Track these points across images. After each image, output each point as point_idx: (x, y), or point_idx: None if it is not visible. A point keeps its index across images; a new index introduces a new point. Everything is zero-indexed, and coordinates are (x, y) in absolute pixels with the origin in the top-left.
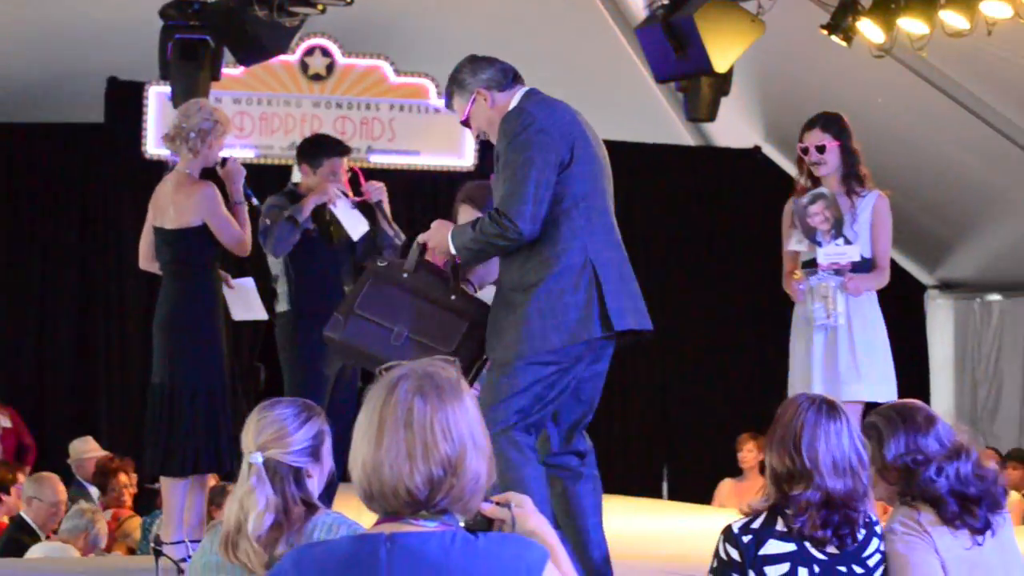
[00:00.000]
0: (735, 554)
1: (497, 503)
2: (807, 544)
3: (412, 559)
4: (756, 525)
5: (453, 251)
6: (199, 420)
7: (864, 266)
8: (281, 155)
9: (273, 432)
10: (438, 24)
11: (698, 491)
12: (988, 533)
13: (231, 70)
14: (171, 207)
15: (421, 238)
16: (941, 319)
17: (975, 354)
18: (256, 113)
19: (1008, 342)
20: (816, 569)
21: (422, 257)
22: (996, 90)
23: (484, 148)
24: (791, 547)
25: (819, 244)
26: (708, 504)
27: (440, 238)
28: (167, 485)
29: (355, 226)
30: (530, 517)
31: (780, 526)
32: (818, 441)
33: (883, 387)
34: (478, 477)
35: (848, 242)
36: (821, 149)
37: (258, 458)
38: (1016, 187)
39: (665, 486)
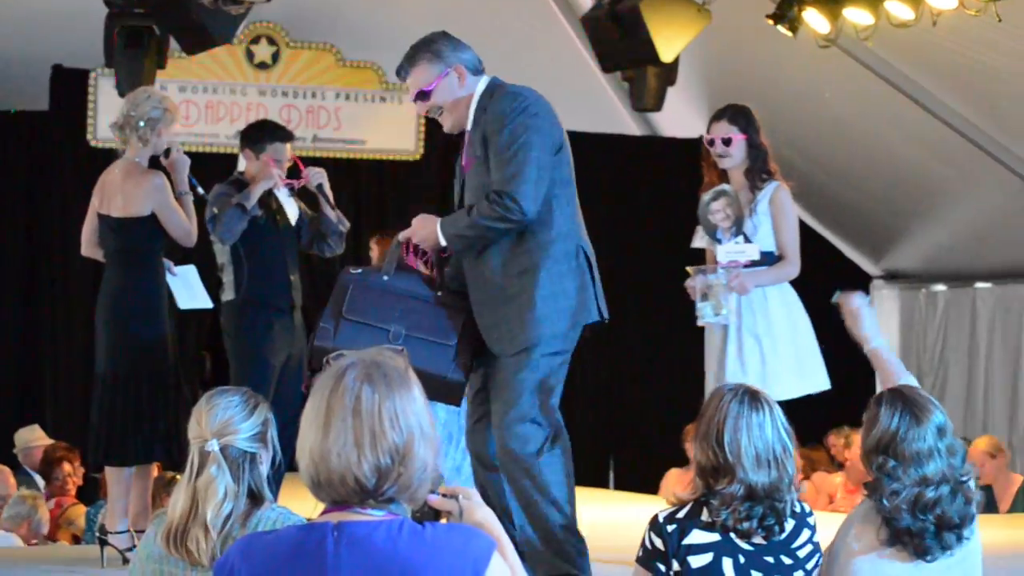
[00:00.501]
0: (659, 543)
1: (444, 495)
2: (732, 535)
3: (359, 548)
4: (681, 515)
5: (444, 242)
6: (143, 409)
7: (770, 261)
8: (227, 143)
9: (226, 419)
10: (384, 12)
11: (645, 481)
12: (941, 554)
13: (176, 59)
14: (119, 195)
15: (402, 235)
16: (887, 310)
17: (920, 345)
18: (202, 101)
19: (953, 333)
20: (741, 560)
21: (399, 257)
22: (941, 81)
23: (429, 136)
24: (715, 537)
25: (719, 242)
26: (655, 494)
27: (427, 232)
28: (111, 475)
29: (291, 212)
30: (477, 509)
31: (705, 516)
32: (740, 434)
33: (793, 384)
34: (425, 466)
35: (748, 240)
36: (727, 142)
37: (215, 445)
38: (961, 178)
39: (612, 476)
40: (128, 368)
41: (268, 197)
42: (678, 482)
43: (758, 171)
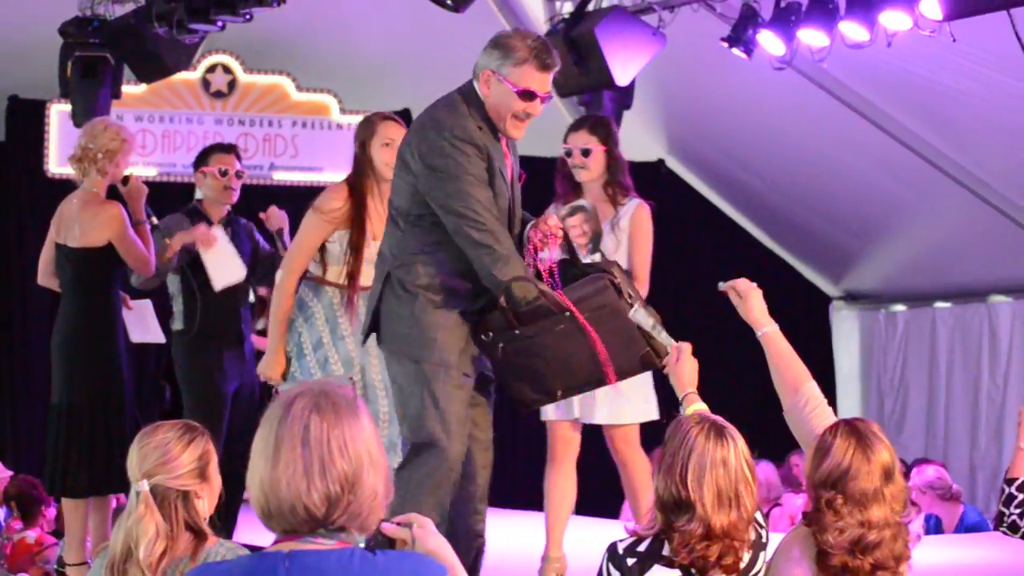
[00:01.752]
0: (616, 575)
1: (398, 523)
2: (693, 570)
3: None
4: (642, 549)
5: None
6: (98, 440)
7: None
8: (184, 172)
9: (157, 458)
10: (339, 40)
11: (603, 505)
12: None
13: (132, 88)
14: (76, 225)
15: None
16: (847, 330)
17: (881, 365)
18: (158, 131)
19: (913, 352)
20: None
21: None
22: (898, 101)
23: None
24: (676, 574)
25: None
26: (616, 519)
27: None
28: (68, 507)
29: (222, 275)
30: (430, 537)
31: (666, 551)
32: (704, 471)
33: (641, 407)
34: (375, 494)
35: (604, 258)
36: (586, 152)
37: (144, 486)
38: (919, 198)
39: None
40: (83, 398)
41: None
42: None
43: (619, 185)
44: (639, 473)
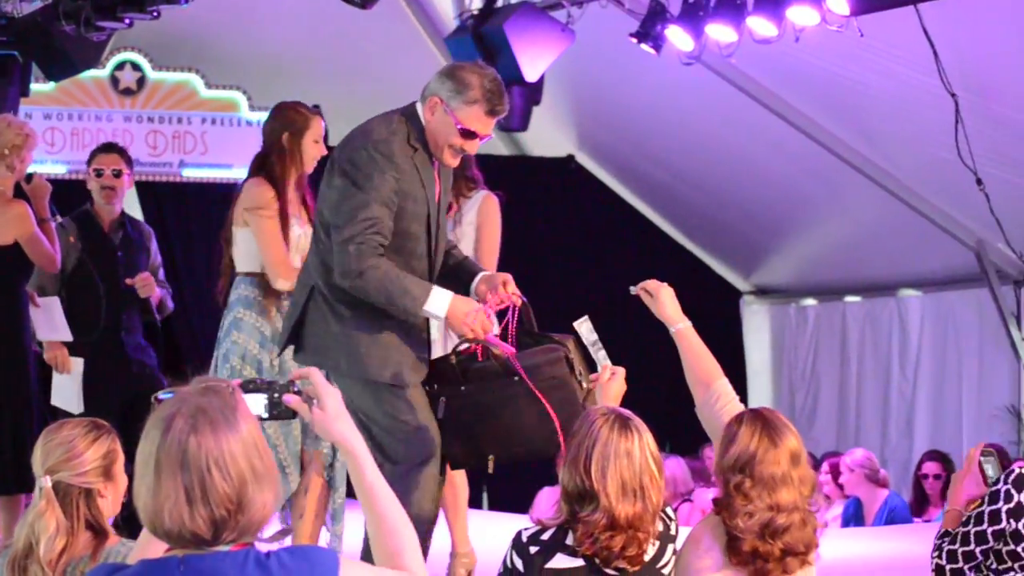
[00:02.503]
0: (519, 564)
1: (301, 395)
2: (597, 560)
3: None
4: (546, 537)
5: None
6: (5, 439)
7: None
8: None
9: (61, 454)
10: (248, 37)
11: (518, 500)
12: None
13: (40, 85)
14: None
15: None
16: (757, 324)
17: (792, 359)
18: (67, 128)
19: (824, 347)
20: None
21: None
22: (807, 96)
23: None
24: (579, 563)
25: None
26: (527, 513)
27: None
28: None
29: (61, 398)
30: (334, 422)
31: (570, 540)
32: (607, 461)
33: None
34: (264, 506)
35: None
36: None
37: (47, 481)
38: (829, 192)
39: (485, 496)
40: None
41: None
42: (548, 500)
43: (465, 178)
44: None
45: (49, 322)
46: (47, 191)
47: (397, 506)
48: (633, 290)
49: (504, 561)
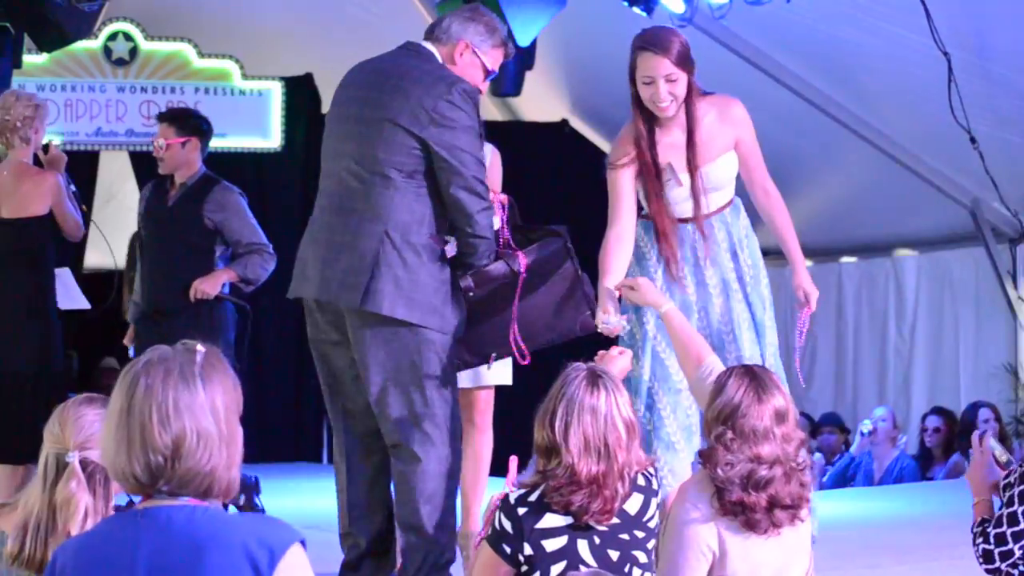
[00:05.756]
0: (508, 525)
1: None
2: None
3: (159, 531)
4: (533, 498)
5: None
6: (25, 408)
7: None
8: (87, 141)
9: (93, 432)
10: (240, 5)
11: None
12: (772, 529)
13: (33, 57)
14: (14, 196)
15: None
16: None
17: (789, 320)
18: (60, 100)
19: (820, 308)
20: (596, 540)
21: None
22: (799, 56)
23: (289, 128)
24: (568, 520)
25: None
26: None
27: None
28: (3, 472)
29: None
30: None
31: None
32: (571, 417)
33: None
34: (212, 466)
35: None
36: None
37: (74, 458)
38: (823, 153)
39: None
40: (23, 366)
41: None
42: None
43: None
44: (484, 449)
45: (66, 291)
46: (63, 160)
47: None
48: (614, 293)
49: (493, 523)
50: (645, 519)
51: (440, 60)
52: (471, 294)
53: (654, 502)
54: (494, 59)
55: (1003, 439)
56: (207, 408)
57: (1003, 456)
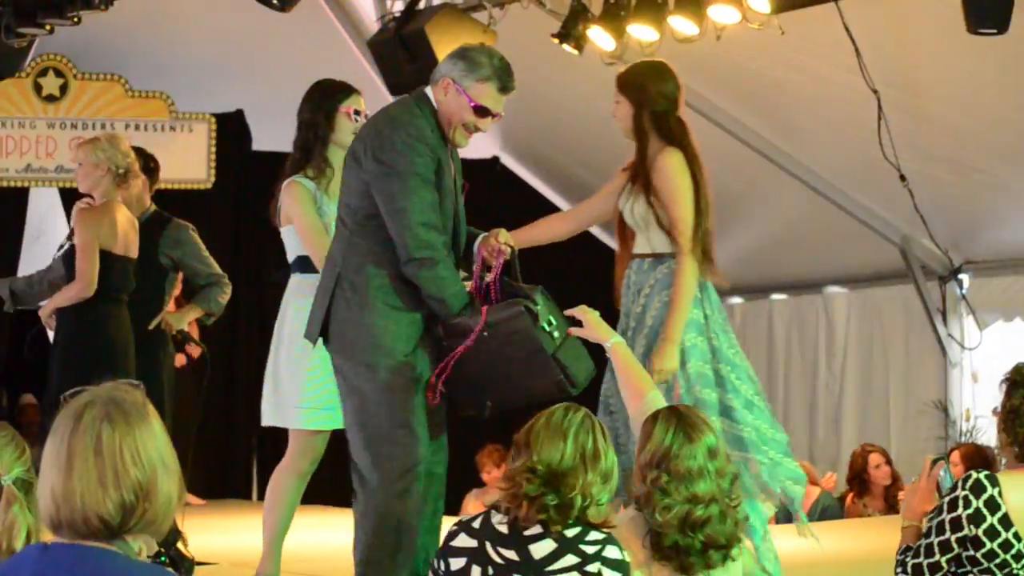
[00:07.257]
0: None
1: None
2: (488, 545)
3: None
4: (466, 520)
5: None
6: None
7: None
8: (17, 177)
9: (13, 450)
10: (172, 41)
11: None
12: (704, 572)
13: None
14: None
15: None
16: None
17: None
18: None
19: (751, 344)
20: (490, 571)
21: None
22: (729, 94)
23: (221, 165)
24: (473, 543)
25: None
26: (456, 515)
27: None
28: None
29: None
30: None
31: (476, 523)
32: (543, 434)
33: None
34: (169, 499)
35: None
36: None
37: (5, 480)
38: (753, 191)
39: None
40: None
41: None
42: (476, 503)
43: None
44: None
45: None
46: None
47: None
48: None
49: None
50: (549, 569)
51: (434, 103)
52: (443, 343)
53: (571, 558)
54: (479, 93)
55: (894, 480)
56: (164, 440)
57: (946, 486)
